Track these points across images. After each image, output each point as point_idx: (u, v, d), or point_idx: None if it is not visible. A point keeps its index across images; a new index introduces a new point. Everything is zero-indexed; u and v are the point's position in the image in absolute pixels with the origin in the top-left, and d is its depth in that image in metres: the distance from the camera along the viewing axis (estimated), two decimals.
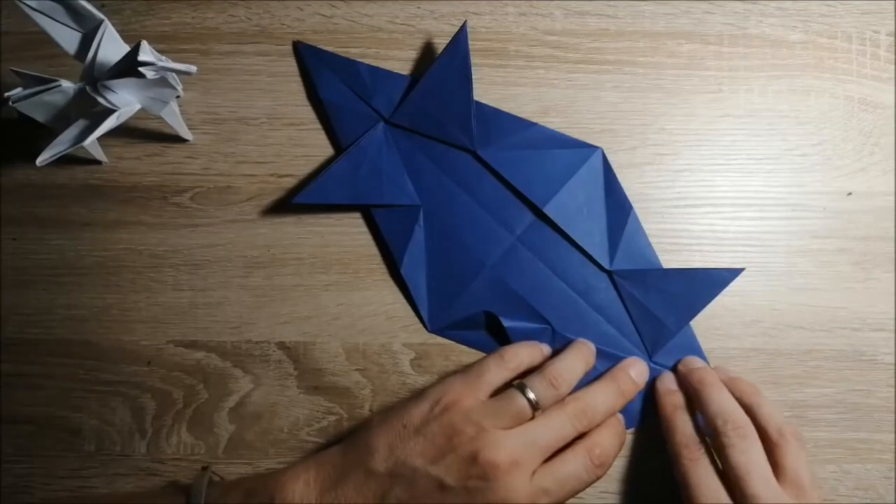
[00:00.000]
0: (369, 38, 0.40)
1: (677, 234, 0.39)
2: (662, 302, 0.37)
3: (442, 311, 0.38)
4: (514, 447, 0.31)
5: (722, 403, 0.34)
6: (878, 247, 0.39)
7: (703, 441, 0.34)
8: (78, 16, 0.33)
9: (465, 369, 0.35)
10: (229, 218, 0.39)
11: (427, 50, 0.40)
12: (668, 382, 0.37)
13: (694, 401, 0.35)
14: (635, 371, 0.36)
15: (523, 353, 0.35)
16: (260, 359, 0.39)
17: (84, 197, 0.40)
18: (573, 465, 0.32)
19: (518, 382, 0.34)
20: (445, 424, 0.32)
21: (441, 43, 0.40)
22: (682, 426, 0.35)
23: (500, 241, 0.38)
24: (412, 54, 0.40)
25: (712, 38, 0.40)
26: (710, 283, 0.37)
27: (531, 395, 0.33)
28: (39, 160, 0.33)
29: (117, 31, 0.34)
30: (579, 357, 0.36)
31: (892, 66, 0.40)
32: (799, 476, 0.32)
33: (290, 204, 0.39)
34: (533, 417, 0.33)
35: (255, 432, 0.38)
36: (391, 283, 0.39)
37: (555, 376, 0.34)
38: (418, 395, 0.34)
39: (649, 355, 0.38)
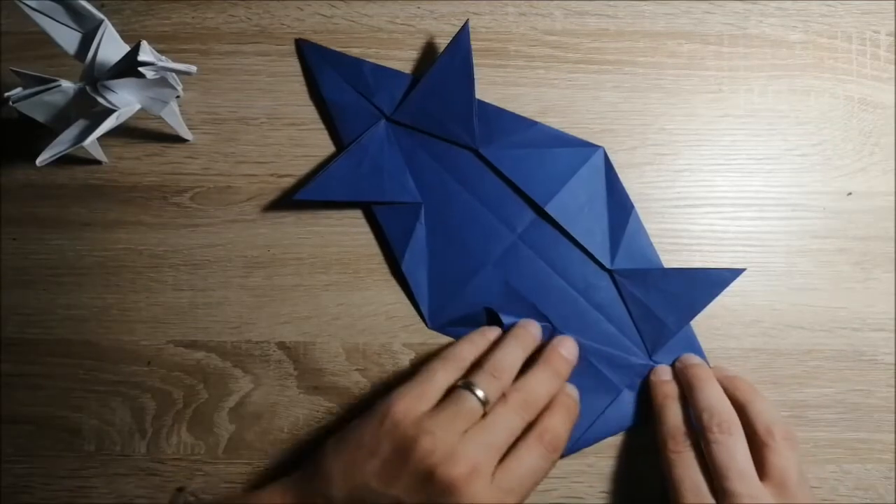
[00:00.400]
0: (369, 38, 0.40)
1: (677, 234, 0.39)
2: (663, 301, 0.37)
3: (442, 308, 0.38)
4: (468, 455, 0.30)
5: (711, 398, 0.34)
6: (878, 247, 0.39)
7: (692, 435, 0.34)
8: (78, 16, 0.33)
9: (412, 378, 0.34)
10: (229, 218, 0.39)
11: (427, 50, 0.40)
12: (662, 374, 0.37)
13: (686, 395, 0.35)
14: (565, 349, 0.36)
15: (467, 351, 0.35)
16: (260, 359, 0.39)
17: (84, 197, 0.40)
18: (529, 457, 0.32)
19: (464, 382, 0.33)
20: (398, 440, 0.31)
21: (441, 43, 0.40)
22: (671, 417, 0.35)
23: (502, 239, 0.38)
24: (412, 54, 0.40)
25: (712, 38, 0.40)
26: (710, 283, 0.37)
27: (480, 393, 0.32)
28: (39, 160, 0.33)
29: (117, 31, 0.34)
30: (517, 343, 0.35)
31: (892, 66, 0.40)
32: (784, 476, 0.32)
33: (290, 203, 0.39)
34: (484, 414, 0.32)
35: (255, 432, 0.38)
36: (391, 283, 0.39)
37: (496, 368, 0.33)
38: (369, 411, 0.33)
39: (649, 354, 0.38)
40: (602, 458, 0.38)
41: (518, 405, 0.32)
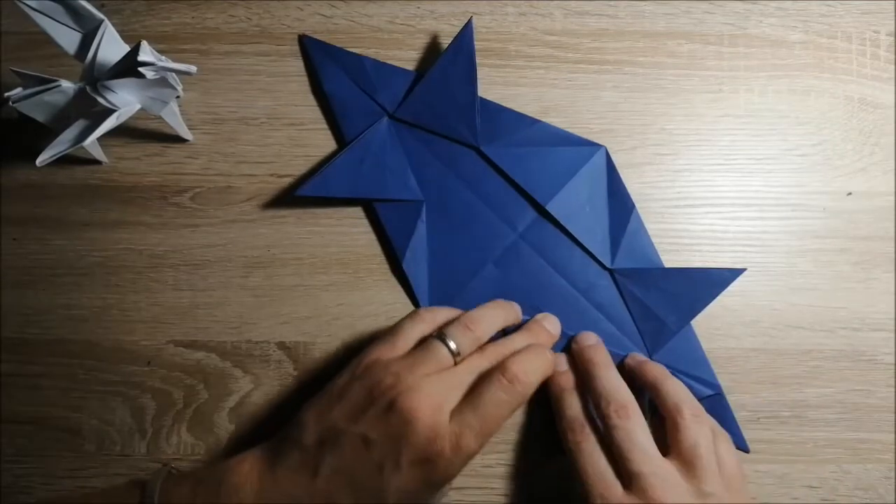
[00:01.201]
0: (369, 38, 0.40)
1: (677, 234, 0.39)
2: (663, 301, 0.37)
3: (443, 306, 0.38)
4: (430, 390, 0.30)
5: (607, 384, 0.34)
6: (878, 247, 0.39)
7: (591, 422, 0.34)
8: (78, 16, 0.33)
9: (385, 332, 0.34)
10: (229, 218, 0.39)
11: (427, 50, 0.40)
12: (558, 364, 0.36)
13: (584, 381, 0.35)
14: (549, 323, 0.36)
15: (441, 313, 0.35)
16: (260, 359, 0.39)
17: (84, 197, 0.40)
18: (489, 390, 0.31)
19: (437, 332, 0.33)
20: (365, 381, 0.31)
21: (442, 43, 0.40)
22: (569, 408, 0.34)
23: (503, 238, 0.38)
24: (412, 54, 0.40)
25: (712, 38, 0.40)
26: (710, 282, 0.37)
27: (452, 344, 0.32)
28: (39, 160, 0.33)
29: (117, 31, 0.34)
30: (497, 309, 0.35)
31: (892, 66, 0.40)
32: (694, 452, 0.32)
33: (290, 203, 0.39)
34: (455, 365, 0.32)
35: (255, 432, 0.38)
36: (391, 283, 0.39)
37: (471, 321, 0.33)
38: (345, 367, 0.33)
39: (649, 354, 0.38)
40: None
41: (494, 357, 0.32)
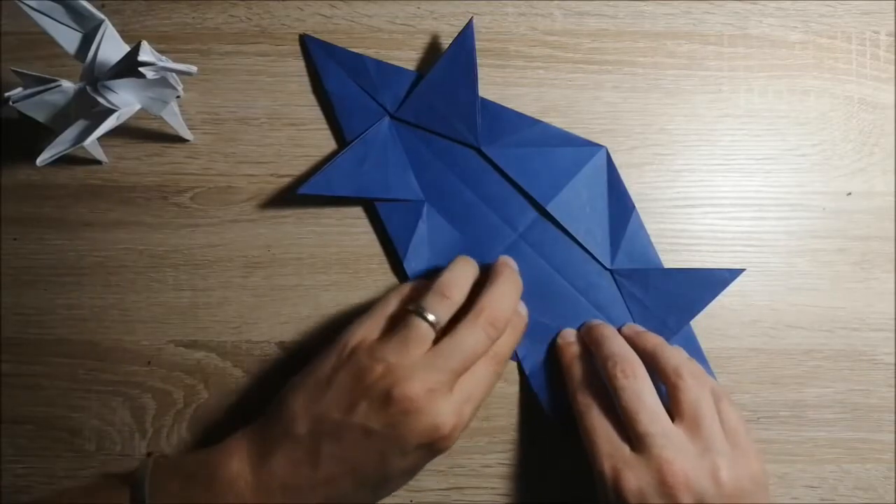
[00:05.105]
0: (369, 38, 0.40)
1: (677, 234, 0.39)
2: (663, 301, 0.37)
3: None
4: (425, 375, 0.30)
5: (614, 348, 0.34)
6: (878, 247, 0.39)
7: (602, 390, 0.34)
8: (78, 16, 0.33)
9: (367, 311, 0.34)
10: (229, 218, 0.39)
11: (427, 50, 0.40)
12: (567, 336, 0.37)
13: (593, 352, 0.36)
14: (511, 261, 0.36)
15: (412, 286, 0.35)
16: (260, 359, 0.39)
17: (84, 197, 0.40)
18: (480, 370, 0.32)
19: (414, 305, 0.32)
20: (353, 368, 0.31)
21: (442, 43, 0.40)
22: (578, 374, 0.35)
23: (503, 238, 0.38)
24: (413, 55, 0.40)
25: (712, 38, 0.40)
26: (710, 283, 0.37)
27: (431, 318, 0.32)
28: (39, 160, 0.33)
29: (117, 31, 0.34)
30: (466, 267, 0.35)
31: (892, 66, 0.40)
32: (696, 412, 0.32)
33: (290, 202, 0.39)
34: (437, 337, 0.32)
35: None
36: (391, 282, 0.39)
37: (446, 286, 0.33)
38: (326, 347, 0.33)
39: None
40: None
41: (488, 322, 0.32)
